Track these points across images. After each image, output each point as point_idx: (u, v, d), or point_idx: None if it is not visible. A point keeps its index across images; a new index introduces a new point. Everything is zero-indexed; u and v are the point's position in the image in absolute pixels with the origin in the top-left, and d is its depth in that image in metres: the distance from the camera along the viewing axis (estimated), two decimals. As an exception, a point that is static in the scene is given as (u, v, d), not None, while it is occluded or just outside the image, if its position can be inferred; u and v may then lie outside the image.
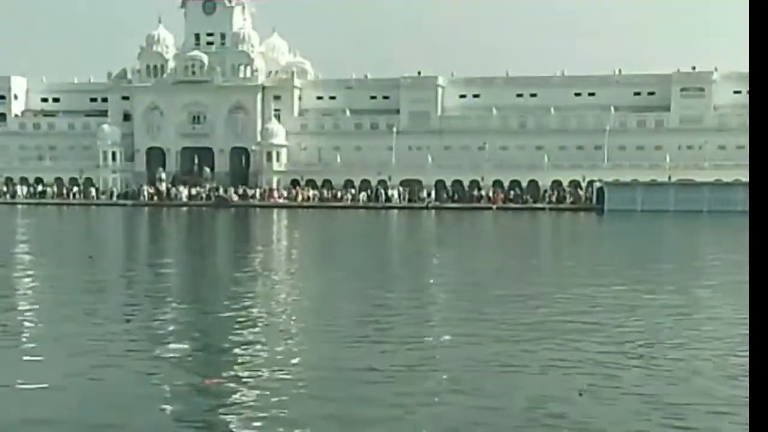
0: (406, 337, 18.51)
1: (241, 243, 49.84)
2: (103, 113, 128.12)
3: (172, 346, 17.37)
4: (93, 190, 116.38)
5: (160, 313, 21.45)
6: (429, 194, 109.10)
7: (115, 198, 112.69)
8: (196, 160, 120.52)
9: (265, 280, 28.90)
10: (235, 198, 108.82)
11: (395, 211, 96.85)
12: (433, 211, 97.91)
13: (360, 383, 14.54)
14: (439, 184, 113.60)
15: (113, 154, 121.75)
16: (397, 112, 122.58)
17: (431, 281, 29.28)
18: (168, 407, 13.16)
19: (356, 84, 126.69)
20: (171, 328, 19.54)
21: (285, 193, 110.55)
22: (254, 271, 31.39)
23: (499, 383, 14.71)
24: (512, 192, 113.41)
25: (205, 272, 31.77)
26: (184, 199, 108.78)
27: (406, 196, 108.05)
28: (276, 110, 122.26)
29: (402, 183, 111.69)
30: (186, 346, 17.42)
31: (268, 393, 13.95)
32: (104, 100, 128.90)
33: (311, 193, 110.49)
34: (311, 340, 18.22)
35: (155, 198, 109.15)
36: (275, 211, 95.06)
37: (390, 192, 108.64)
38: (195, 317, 21.18)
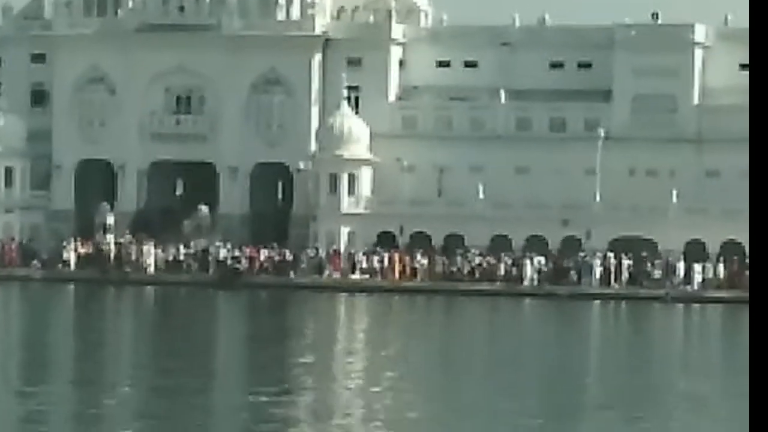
0: None
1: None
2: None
3: None
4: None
5: None
6: (673, 270, 77.17)
7: (9, 261, 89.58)
8: (181, 189, 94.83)
9: None
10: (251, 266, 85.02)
11: (594, 302, 73.70)
12: (679, 306, 73.12)
13: None
14: (693, 248, 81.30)
15: (7, 173, 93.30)
16: (607, 95, 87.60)
17: None
18: None
19: (520, 37, 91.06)
20: None
21: (364, 261, 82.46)
22: None
23: None
24: None
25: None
26: (151, 270, 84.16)
27: (625, 271, 78.85)
28: (351, 88, 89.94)
29: (616, 243, 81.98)
30: None
31: None
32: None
33: (421, 262, 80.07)
34: None
35: (93, 264, 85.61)
36: (342, 298, 74.13)
37: (592, 260, 78.73)
38: None
